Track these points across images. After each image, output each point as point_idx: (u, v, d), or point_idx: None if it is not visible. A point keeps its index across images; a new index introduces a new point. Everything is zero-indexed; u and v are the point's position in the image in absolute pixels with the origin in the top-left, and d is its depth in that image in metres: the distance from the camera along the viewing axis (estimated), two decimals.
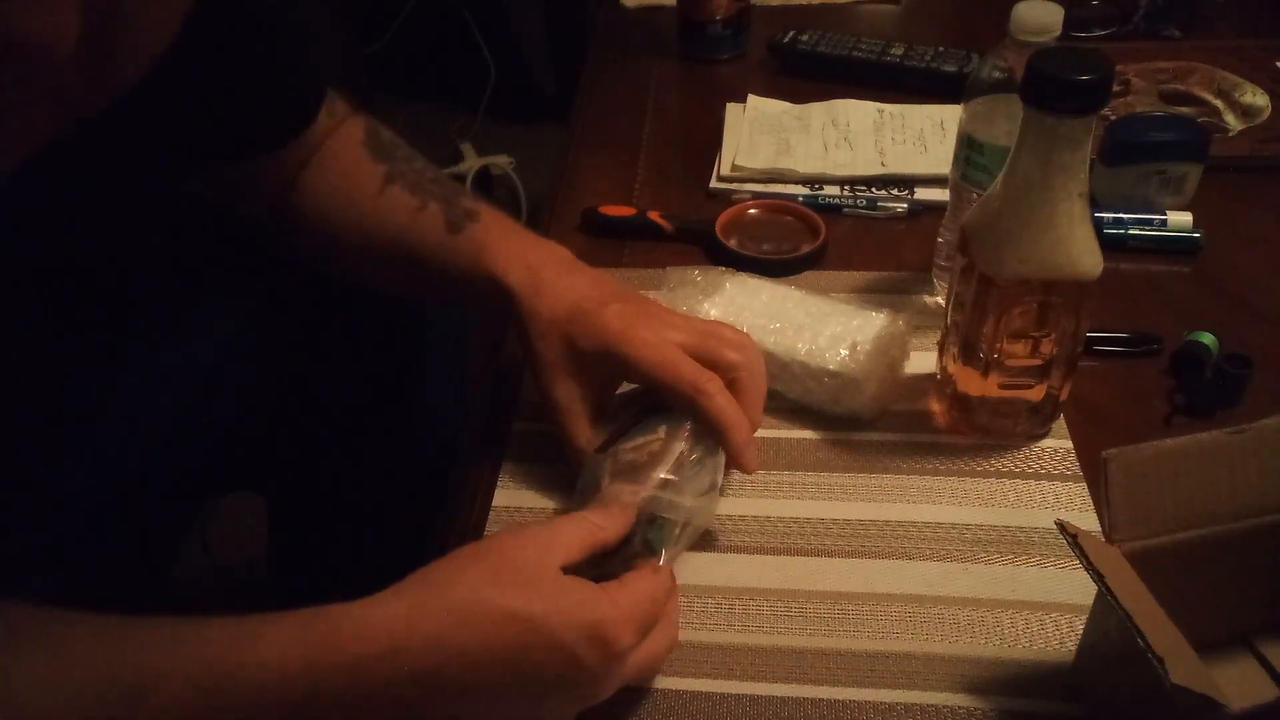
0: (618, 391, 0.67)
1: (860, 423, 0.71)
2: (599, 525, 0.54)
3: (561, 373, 0.63)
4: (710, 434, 0.61)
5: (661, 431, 0.62)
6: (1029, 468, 0.68)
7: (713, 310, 0.74)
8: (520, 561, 0.49)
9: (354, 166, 0.70)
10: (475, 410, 0.80)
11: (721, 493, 0.63)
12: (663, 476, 0.59)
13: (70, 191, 0.59)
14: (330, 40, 1.83)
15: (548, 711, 0.49)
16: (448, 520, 0.69)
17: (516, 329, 0.65)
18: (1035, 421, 0.70)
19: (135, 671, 0.43)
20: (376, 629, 0.44)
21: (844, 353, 0.70)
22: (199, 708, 0.43)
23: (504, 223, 0.68)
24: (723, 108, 1.07)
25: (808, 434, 0.71)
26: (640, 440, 0.62)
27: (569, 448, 0.65)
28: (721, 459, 0.62)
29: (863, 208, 0.92)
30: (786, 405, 0.72)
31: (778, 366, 0.71)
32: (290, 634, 0.44)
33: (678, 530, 0.59)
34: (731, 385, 0.62)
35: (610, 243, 0.90)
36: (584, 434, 0.64)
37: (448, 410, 0.91)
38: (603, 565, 0.55)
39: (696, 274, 0.77)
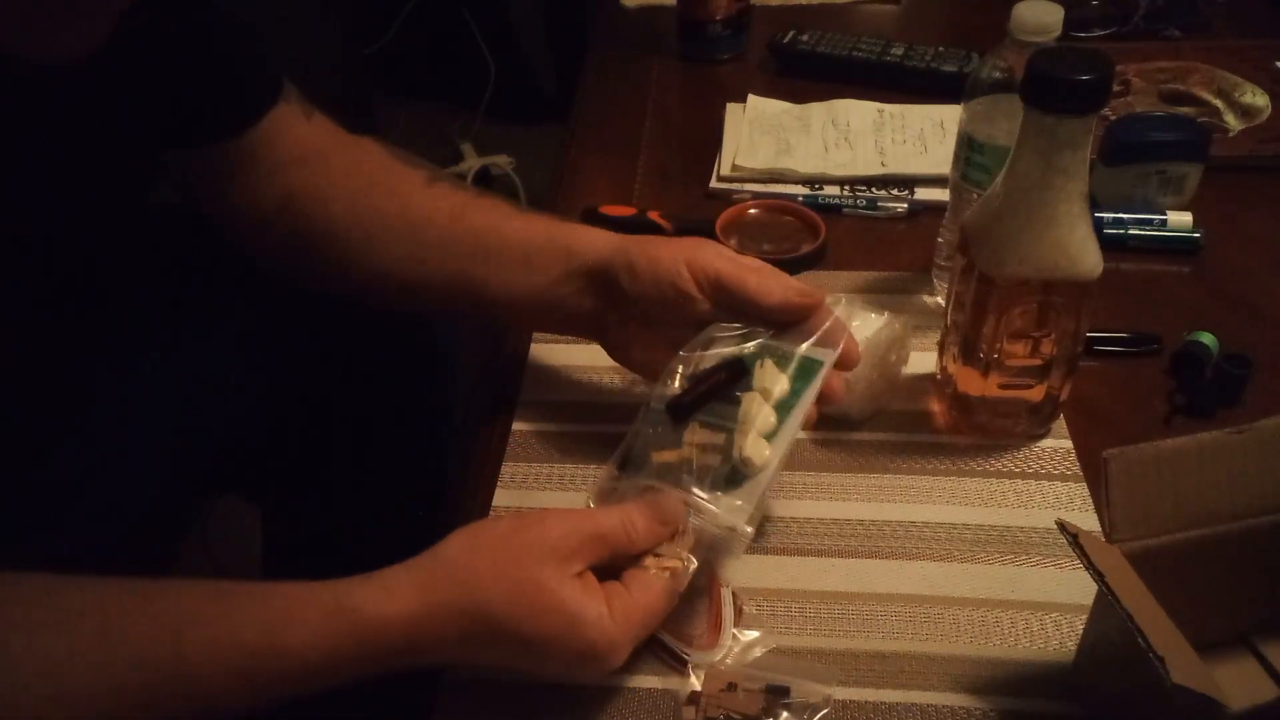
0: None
1: (851, 422, 0.71)
2: (631, 527, 0.54)
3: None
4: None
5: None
6: (1029, 468, 0.68)
7: None
8: (530, 579, 0.51)
9: (388, 166, 0.73)
10: (475, 410, 0.80)
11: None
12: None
13: (47, 192, 0.59)
14: (322, 43, 1.83)
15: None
16: (448, 521, 0.68)
17: (606, 262, 0.67)
18: (1035, 421, 0.70)
19: (176, 658, 0.48)
20: (394, 632, 0.50)
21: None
22: (238, 691, 0.49)
23: None
24: (723, 108, 1.07)
25: (807, 434, 0.71)
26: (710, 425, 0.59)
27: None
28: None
29: (863, 208, 0.92)
30: None
31: None
32: (316, 630, 0.49)
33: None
34: None
35: None
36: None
37: (443, 415, 0.91)
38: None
39: None
